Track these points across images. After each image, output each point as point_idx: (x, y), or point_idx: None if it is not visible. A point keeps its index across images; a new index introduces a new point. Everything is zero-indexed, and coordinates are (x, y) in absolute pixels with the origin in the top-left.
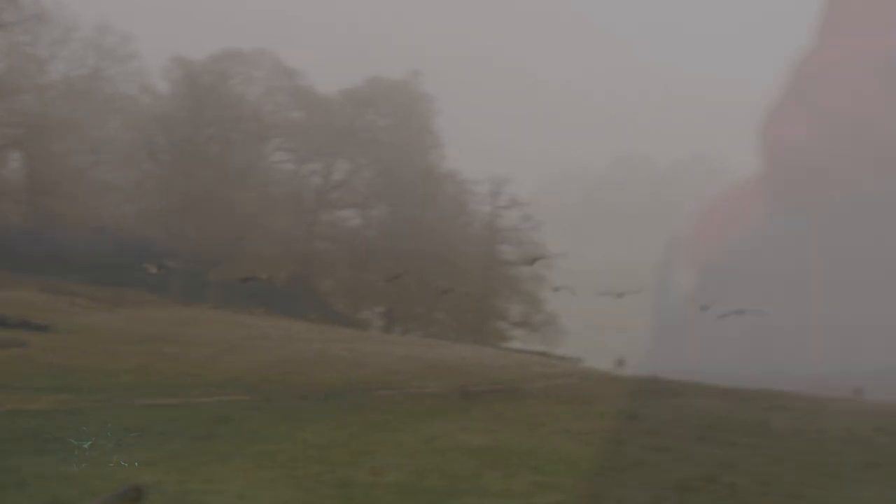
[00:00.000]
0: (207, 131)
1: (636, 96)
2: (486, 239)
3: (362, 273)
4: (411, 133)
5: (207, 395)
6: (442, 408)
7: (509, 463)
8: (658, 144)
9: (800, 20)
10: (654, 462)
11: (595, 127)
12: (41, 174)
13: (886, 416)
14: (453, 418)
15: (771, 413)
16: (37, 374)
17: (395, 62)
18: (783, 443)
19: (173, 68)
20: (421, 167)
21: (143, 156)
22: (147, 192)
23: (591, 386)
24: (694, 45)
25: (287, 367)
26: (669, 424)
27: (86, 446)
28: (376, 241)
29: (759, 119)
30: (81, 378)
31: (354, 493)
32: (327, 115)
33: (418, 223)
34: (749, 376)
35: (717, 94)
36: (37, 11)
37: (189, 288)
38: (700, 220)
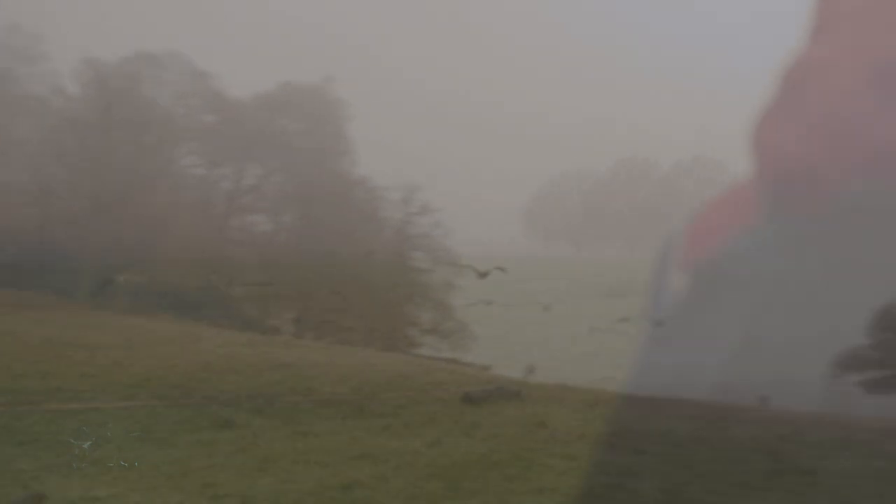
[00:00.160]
0: (117, 134)
1: (637, 97)
2: (397, 245)
3: (273, 279)
4: (324, 138)
5: (115, 400)
6: (340, 413)
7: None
8: (659, 146)
9: (799, 19)
10: (560, 469)
11: (595, 128)
12: None
13: (790, 424)
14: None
15: (678, 421)
16: None
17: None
18: (688, 451)
19: (84, 70)
20: (333, 173)
21: (52, 158)
22: (55, 194)
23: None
24: (694, 44)
25: (194, 372)
26: (576, 432)
27: None
28: (287, 247)
29: (750, 122)
30: None
31: None
32: (239, 119)
33: (329, 229)
34: (659, 384)
35: (718, 95)
36: None
37: (96, 292)
38: (692, 223)
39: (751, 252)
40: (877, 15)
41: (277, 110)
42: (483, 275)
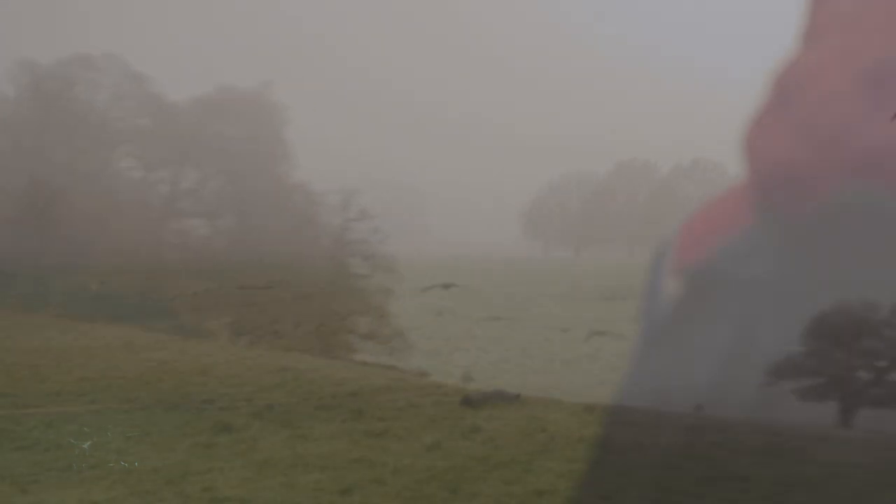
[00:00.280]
0: (52, 136)
1: (638, 99)
2: (335, 251)
3: (209, 283)
4: (262, 142)
5: (49, 405)
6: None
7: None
8: (659, 149)
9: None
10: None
11: (595, 131)
12: None
13: (724, 431)
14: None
15: (612, 428)
16: None
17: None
18: (623, 457)
19: (18, 72)
20: (271, 177)
21: None
22: None
23: (435, 399)
24: (695, 44)
25: (129, 377)
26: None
27: None
28: (224, 252)
29: (742, 127)
30: None
31: None
32: (176, 122)
33: (267, 234)
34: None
35: (718, 96)
36: None
37: (31, 296)
38: (685, 227)
39: (741, 256)
40: (867, 19)
41: (215, 114)
42: (447, 286)
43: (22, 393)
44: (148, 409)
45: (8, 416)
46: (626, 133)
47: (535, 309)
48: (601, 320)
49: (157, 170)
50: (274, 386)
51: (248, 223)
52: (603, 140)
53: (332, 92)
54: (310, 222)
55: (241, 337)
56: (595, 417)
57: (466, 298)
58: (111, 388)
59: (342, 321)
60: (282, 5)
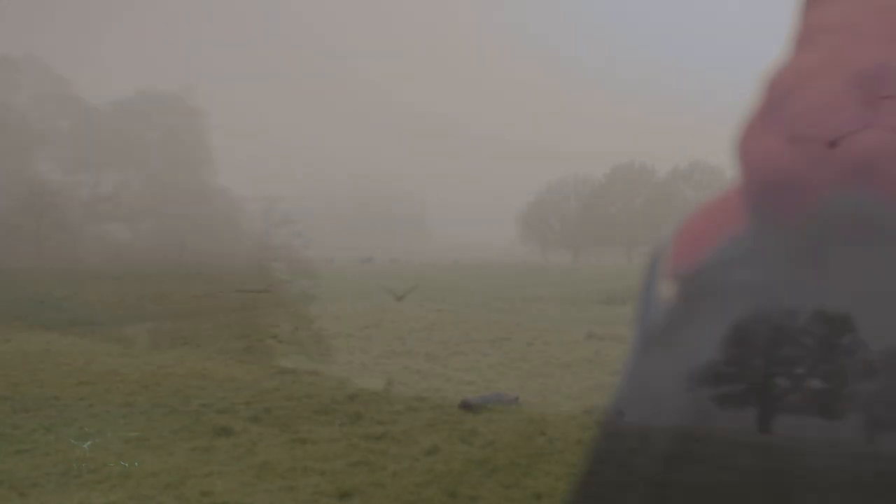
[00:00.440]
0: None
1: (637, 101)
2: (257, 255)
3: (129, 288)
4: (183, 147)
5: None
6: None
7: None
8: (658, 152)
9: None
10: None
11: (596, 134)
12: None
13: (643, 437)
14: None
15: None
16: None
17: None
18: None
19: None
20: (192, 182)
21: None
22: None
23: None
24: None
25: (43, 381)
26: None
27: None
28: (144, 256)
29: (735, 131)
30: None
31: None
32: (97, 125)
33: (187, 238)
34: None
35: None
36: None
37: None
38: (679, 231)
39: (734, 262)
40: (860, 24)
41: (136, 118)
42: (399, 297)
43: None
44: (145, 412)
45: None
46: (624, 137)
47: (534, 312)
48: (600, 323)
49: (76, 173)
50: (272, 389)
51: (169, 228)
52: (600, 144)
53: (333, 101)
54: (231, 227)
55: (160, 341)
56: (594, 421)
57: (464, 301)
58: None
59: (263, 326)
60: (281, 8)
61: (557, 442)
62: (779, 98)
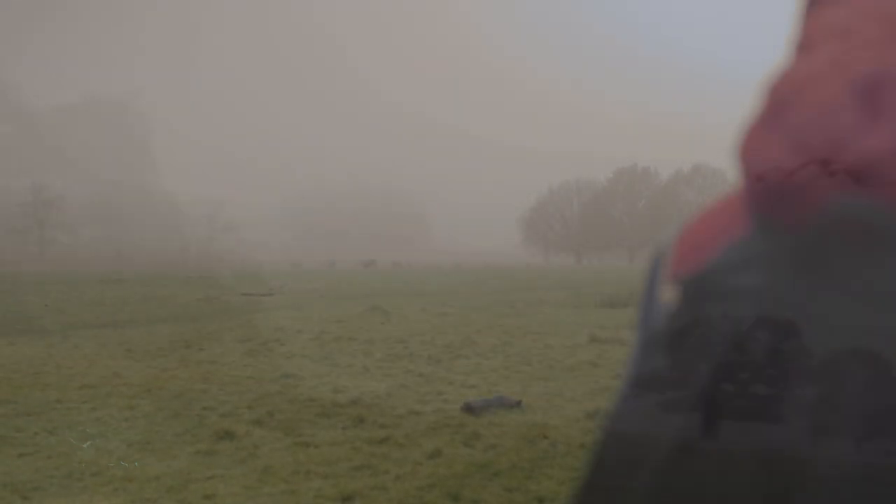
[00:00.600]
0: None
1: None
2: (200, 261)
3: (73, 293)
4: (127, 153)
5: None
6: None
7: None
8: (659, 155)
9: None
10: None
11: (597, 137)
12: None
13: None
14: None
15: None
16: None
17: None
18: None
19: None
20: (136, 188)
21: None
22: None
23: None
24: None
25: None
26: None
27: None
28: (88, 261)
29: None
30: None
31: None
32: (39, 131)
33: (130, 244)
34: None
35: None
36: None
37: None
38: (680, 235)
39: (735, 266)
40: (861, 30)
41: (80, 122)
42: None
43: None
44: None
45: None
46: (626, 140)
47: (536, 315)
48: (602, 327)
49: (18, 178)
50: (275, 393)
51: (113, 233)
52: (602, 147)
53: (334, 103)
54: (175, 233)
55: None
56: (596, 424)
57: (466, 305)
58: None
59: (207, 331)
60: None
61: (560, 445)
62: (780, 103)
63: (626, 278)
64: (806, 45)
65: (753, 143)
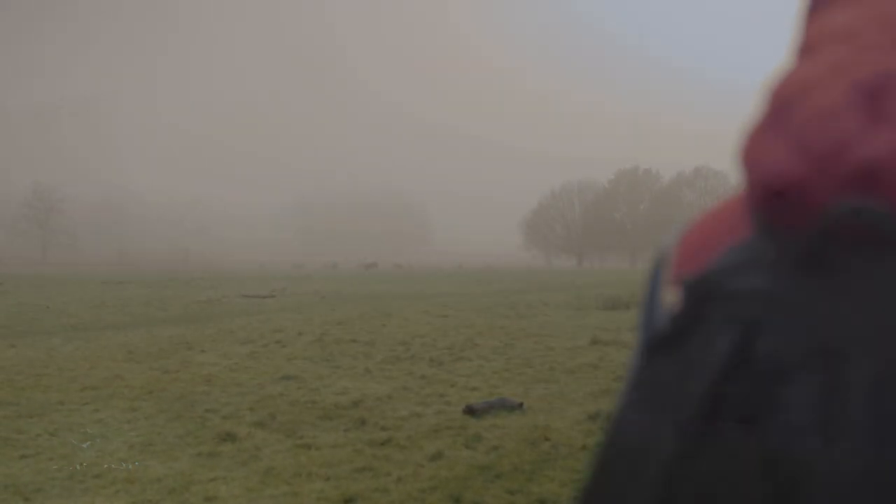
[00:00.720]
0: None
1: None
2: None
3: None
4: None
5: None
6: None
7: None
8: (660, 156)
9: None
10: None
11: (598, 139)
12: None
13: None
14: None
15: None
16: None
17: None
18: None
19: None
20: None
21: None
22: None
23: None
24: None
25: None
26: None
27: None
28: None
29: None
30: None
31: None
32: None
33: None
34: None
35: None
36: None
37: None
38: (682, 237)
39: (738, 269)
40: (862, 33)
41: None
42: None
43: None
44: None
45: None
46: (627, 142)
47: (538, 317)
48: (604, 329)
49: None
50: (277, 395)
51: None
52: (604, 149)
53: (336, 105)
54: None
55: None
56: (598, 426)
57: (468, 307)
58: None
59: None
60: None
61: (562, 447)
62: (783, 106)
63: (627, 280)
64: (808, 48)
65: (756, 146)
